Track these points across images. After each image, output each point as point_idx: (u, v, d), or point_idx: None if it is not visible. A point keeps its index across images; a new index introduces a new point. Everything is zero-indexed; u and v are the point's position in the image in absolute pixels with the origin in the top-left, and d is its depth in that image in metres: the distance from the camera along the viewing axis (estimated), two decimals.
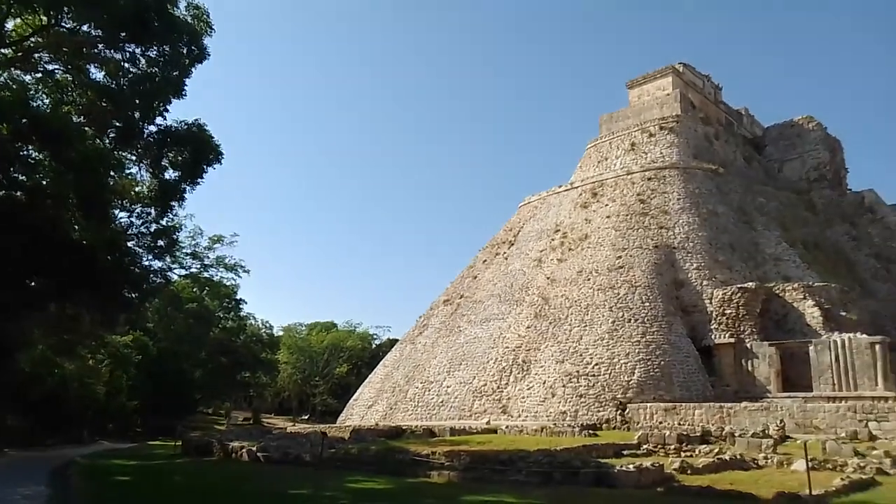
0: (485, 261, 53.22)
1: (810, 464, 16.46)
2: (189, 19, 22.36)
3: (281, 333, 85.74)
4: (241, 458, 25.56)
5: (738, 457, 20.73)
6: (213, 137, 23.33)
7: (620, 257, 42.01)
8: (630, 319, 37.53)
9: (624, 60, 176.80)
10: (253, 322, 77.28)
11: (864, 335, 32.55)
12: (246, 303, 70.85)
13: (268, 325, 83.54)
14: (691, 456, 21.94)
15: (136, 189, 24.66)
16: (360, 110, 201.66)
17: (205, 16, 22.76)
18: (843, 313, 36.08)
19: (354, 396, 50.47)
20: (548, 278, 44.40)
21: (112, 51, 21.40)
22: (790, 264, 42.36)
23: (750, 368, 35.15)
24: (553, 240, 48.18)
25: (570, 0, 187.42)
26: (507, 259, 50.72)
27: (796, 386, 33.59)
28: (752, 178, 53.99)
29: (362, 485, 17.41)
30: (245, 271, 59.67)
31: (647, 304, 38.25)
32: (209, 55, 22.70)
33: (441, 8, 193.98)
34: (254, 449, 25.46)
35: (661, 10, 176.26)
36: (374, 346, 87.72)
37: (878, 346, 31.23)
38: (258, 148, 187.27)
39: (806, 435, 24.57)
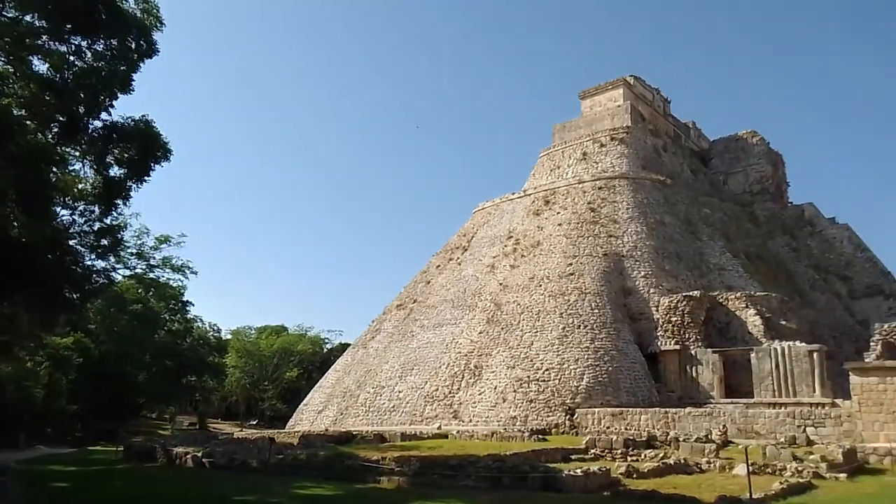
0: (438, 266, 53.29)
1: (751, 468, 16.97)
2: (138, 13, 21.76)
3: (229, 337, 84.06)
4: (185, 463, 24.94)
5: (682, 461, 21.23)
6: (161, 134, 22.70)
7: (571, 264, 42.60)
8: (580, 326, 38.04)
9: (577, 71, 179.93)
10: (200, 325, 75.63)
11: (803, 343, 33.68)
12: (193, 305, 69.28)
13: (216, 328, 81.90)
14: (637, 460, 22.36)
15: (80, 186, 23.81)
16: (312, 114, 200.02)
17: (155, 10, 22.17)
18: (783, 322, 37.30)
19: (304, 401, 49.83)
20: (500, 284, 44.70)
21: (57, 43, 20.66)
22: (733, 274, 43.65)
23: (694, 375, 36.02)
24: (506, 246, 48.56)
25: (525, 10, 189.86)
26: (460, 264, 50.89)
27: (738, 392, 34.55)
28: (698, 190, 55.52)
29: (310, 491, 17.20)
30: (192, 273, 58.27)
31: (597, 310, 38.85)
32: (159, 51, 22.14)
33: (396, 16, 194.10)
34: (199, 454, 24.86)
35: (614, 23, 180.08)
36: (325, 350, 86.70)
37: (815, 354, 32.37)
38: (209, 147, 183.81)
39: (747, 440, 25.29)
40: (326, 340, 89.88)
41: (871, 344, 30.43)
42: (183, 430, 61.25)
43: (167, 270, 56.65)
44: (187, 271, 57.73)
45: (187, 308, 67.19)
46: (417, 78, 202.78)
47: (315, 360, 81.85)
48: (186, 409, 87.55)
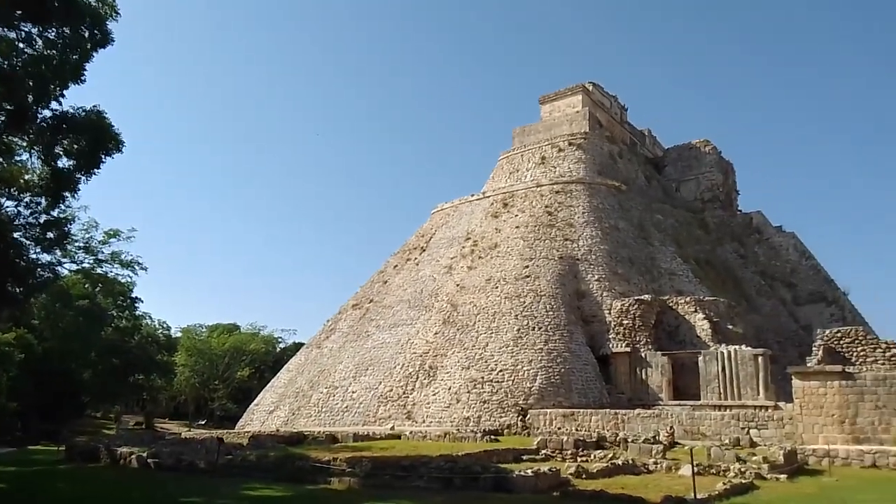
0: (396, 266, 53.20)
1: (696, 469, 17.43)
2: (93, 2, 21.21)
3: (179, 335, 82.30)
4: (130, 464, 24.39)
5: (631, 462, 21.64)
6: (112, 125, 22.14)
7: (528, 267, 43.02)
8: (534, 328, 38.45)
9: (538, 75, 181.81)
10: (149, 322, 73.78)
11: (749, 347, 34.69)
12: (142, 301, 67.34)
13: (165, 325, 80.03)
14: (587, 461, 22.71)
15: (26, 177, 23.04)
16: (270, 110, 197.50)
17: None
18: (730, 326, 38.37)
19: (255, 401, 49.16)
20: (457, 285, 44.86)
21: (5, 29, 19.99)
22: (683, 279, 44.72)
23: (644, 377, 36.77)
24: (464, 247, 48.76)
25: (488, 13, 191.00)
26: (418, 265, 50.89)
27: (686, 394, 35.39)
28: (652, 197, 56.68)
29: (259, 492, 17.01)
30: (142, 268, 56.62)
31: (551, 312, 39.33)
32: (113, 40, 21.58)
33: (356, 16, 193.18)
34: (144, 455, 24.34)
35: (575, 29, 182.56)
36: (278, 349, 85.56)
37: (760, 358, 33.37)
38: (162, 142, 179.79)
39: (693, 441, 25.92)
40: (280, 340, 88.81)
41: (814, 349, 31.40)
42: (129, 430, 59.72)
43: (116, 266, 54.94)
44: (137, 267, 56.19)
45: (136, 305, 65.46)
46: (379, 77, 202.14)
47: (268, 359, 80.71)
48: (133, 408, 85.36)
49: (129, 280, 59.45)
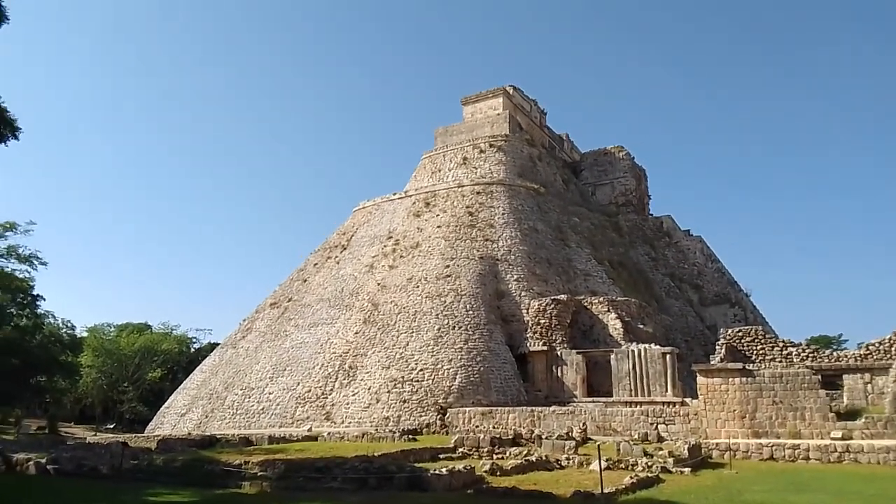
0: (316, 264, 52.41)
1: (607, 464, 17.90)
2: None
3: (85, 334, 78.22)
4: (27, 470, 22.97)
5: (544, 458, 22.02)
6: (7, 109, 20.82)
7: (448, 266, 43.23)
8: (455, 327, 38.67)
9: (462, 75, 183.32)
10: (52, 321, 69.78)
11: (658, 346, 36.01)
12: (44, 299, 63.63)
13: (69, 324, 75.86)
14: (502, 458, 22.98)
15: None
16: (194, 102, 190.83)
17: None
18: (641, 326, 39.79)
19: (167, 404, 47.38)
20: (378, 284, 44.60)
21: None
22: (598, 280, 46.08)
23: (559, 374, 37.62)
24: (385, 246, 48.54)
25: (413, 12, 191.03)
26: (338, 263, 50.29)
27: (599, 391, 36.42)
28: (569, 200, 58.17)
29: (163, 498, 16.30)
30: (42, 264, 53.58)
31: (471, 312, 39.66)
32: (8, 19, 20.28)
33: (285, 10, 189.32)
34: (42, 461, 22.99)
35: (499, 33, 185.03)
36: (192, 350, 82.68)
37: (668, 357, 34.72)
38: (69, 129, 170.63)
39: (605, 437, 26.69)
40: (194, 340, 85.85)
41: (717, 347, 32.98)
42: (29, 435, 56.26)
43: (13, 260, 51.85)
44: (36, 262, 53.09)
45: (37, 302, 61.75)
46: (303, 74, 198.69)
47: (181, 360, 77.89)
48: (35, 412, 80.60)
49: (28, 276, 56.14)
